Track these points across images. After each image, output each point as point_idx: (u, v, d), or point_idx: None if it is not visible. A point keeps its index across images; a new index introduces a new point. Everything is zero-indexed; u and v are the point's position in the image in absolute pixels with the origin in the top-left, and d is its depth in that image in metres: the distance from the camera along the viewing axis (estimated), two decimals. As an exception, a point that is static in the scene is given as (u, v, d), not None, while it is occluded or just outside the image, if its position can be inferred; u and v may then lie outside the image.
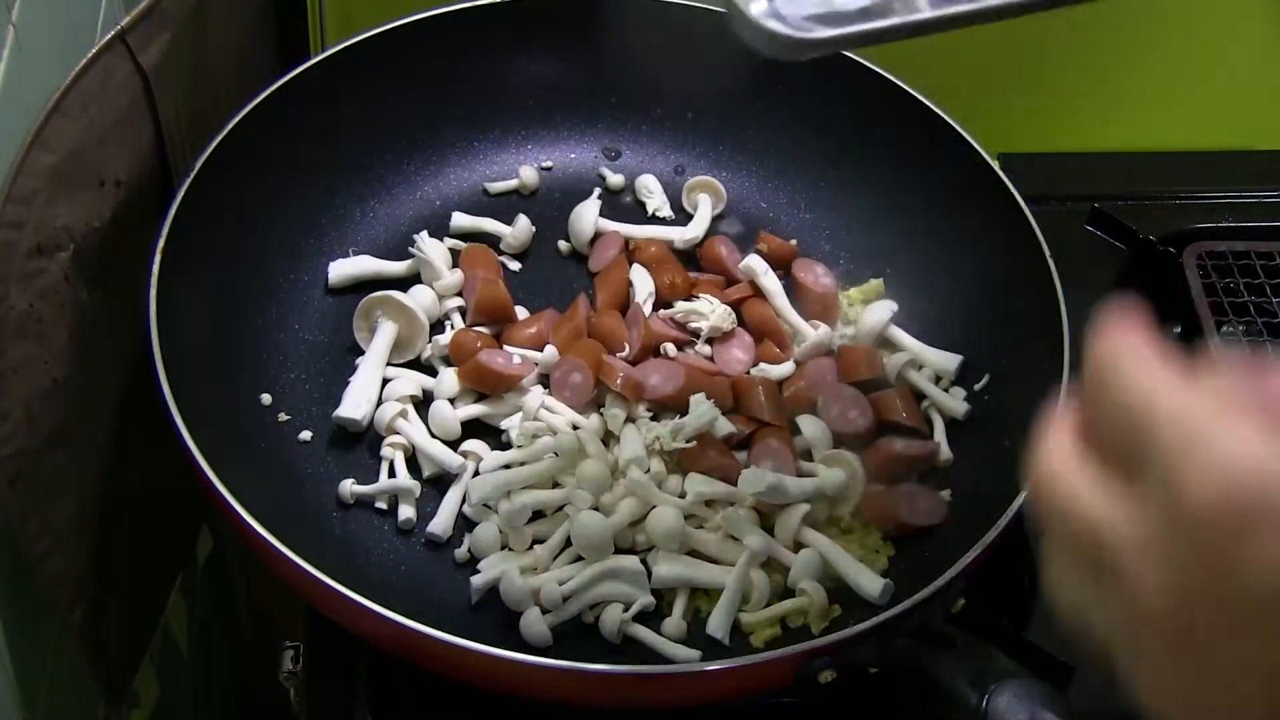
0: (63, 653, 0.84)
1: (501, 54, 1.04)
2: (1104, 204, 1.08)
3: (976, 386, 0.93)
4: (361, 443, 0.90)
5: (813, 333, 0.95)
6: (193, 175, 0.87)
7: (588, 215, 1.01)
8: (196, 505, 1.02)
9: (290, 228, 0.97)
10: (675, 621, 0.81)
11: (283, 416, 0.90)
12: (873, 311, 0.96)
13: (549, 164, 1.06)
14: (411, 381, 0.91)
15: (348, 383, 0.90)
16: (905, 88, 0.99)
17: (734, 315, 0.95)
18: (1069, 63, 1.21)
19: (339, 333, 0.94)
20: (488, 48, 1.03)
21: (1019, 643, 0.80)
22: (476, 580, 0.81)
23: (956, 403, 0.92)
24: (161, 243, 0.83)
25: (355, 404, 0.89)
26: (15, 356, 0.73)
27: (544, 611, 0.79)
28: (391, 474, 0.87)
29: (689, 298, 0.96)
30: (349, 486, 0.86)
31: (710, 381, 0.91)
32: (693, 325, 0.94)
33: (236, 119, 0.91)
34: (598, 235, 1.01)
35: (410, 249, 0.97)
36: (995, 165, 0.95)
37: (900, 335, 0.95)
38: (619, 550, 0.83)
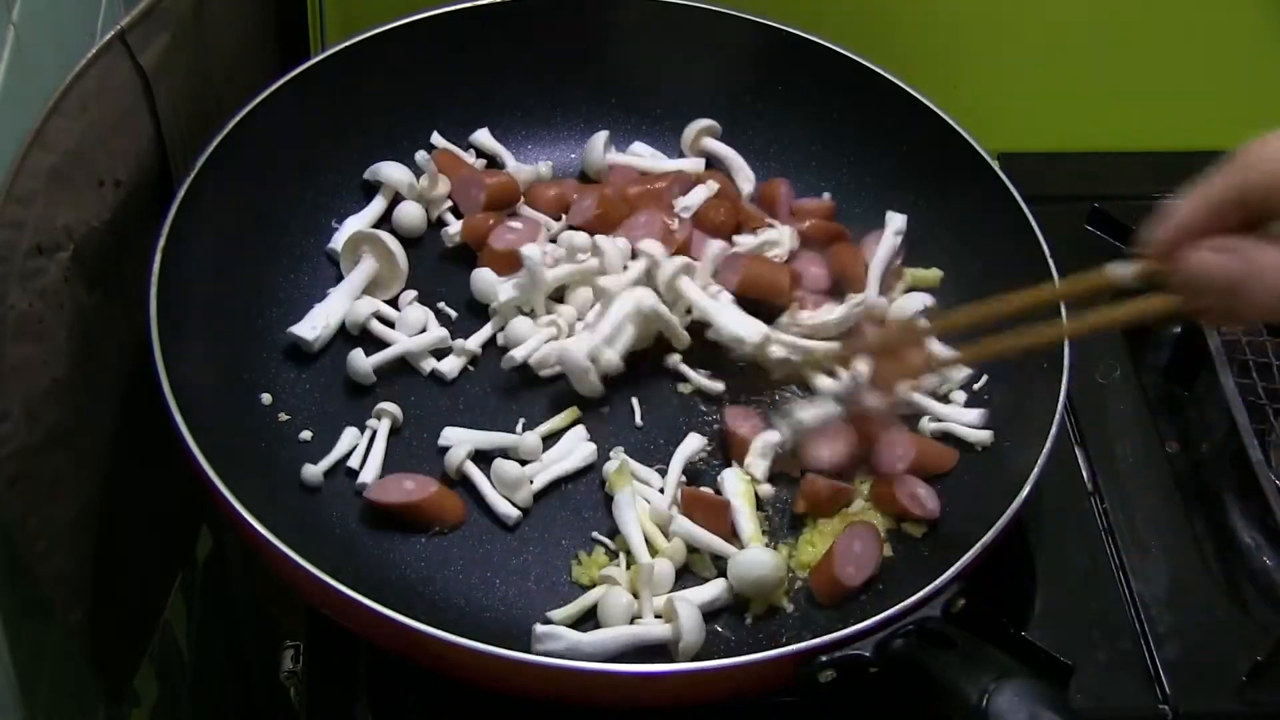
0: (63, 653, 0.84)
1: (501, 54, 1.04)
2: (1104, 204, 1.08)
3: (976, 386, 0.93)
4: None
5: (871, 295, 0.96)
6: (193, 175, 0.87)
7: (598, 144, 1.03)
8: (196, 505, 1.02)
9: (290, 227, 0.97)
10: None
11: (283, 416, 0.90)
12: (907, 301, 0.96)
13: (549, 164, 1.06)
14: (373, 303, 0.94)
15: (347, 382, 0.90)
16: (905, 87, 0.99)
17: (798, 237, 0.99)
18: (1069, 63, 1.21)
19: (339, 332, 0.94)
20: (488, 48, 1.03)
21: (1019, 642, 0.80)
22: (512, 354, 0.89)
23: (973, 421, 0.91)
24: (161, 243, 0.83)
25: (311, 326, 0.91)
26: (15, 356, 0.73)
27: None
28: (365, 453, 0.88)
29: (752, 231, 0.99)
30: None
31: (770, 271, 0.95)
32: (773, 255, 0.97)
33: (236, 119, 0.91)
34: (611, 169, 1.03)
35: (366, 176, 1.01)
36: (995, 165, 0.95)
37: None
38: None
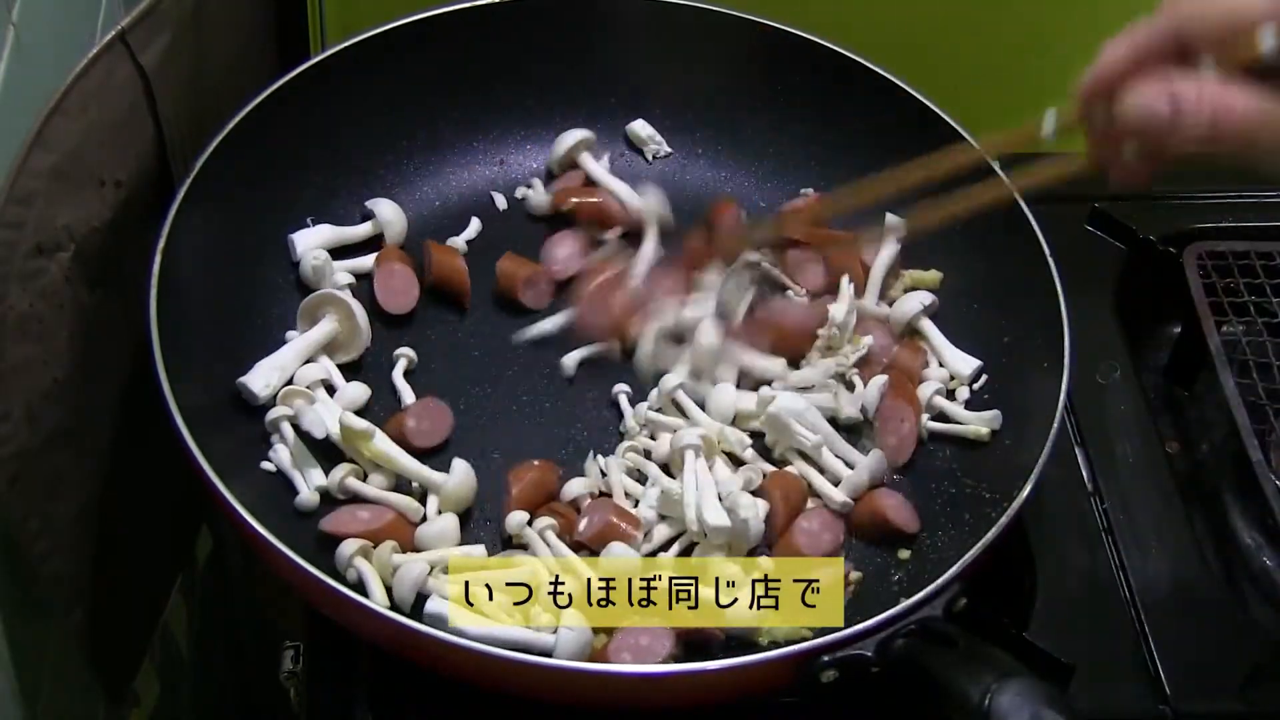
0: (63, 653, 0.84)
1: (501, 54, 1.04)
2: (1104, 204, 1.08)
3: (976, 386, 0.93)
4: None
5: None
6: (193, 175, 0.87)
7: (565, 142, 1.03)
8: (196, 505, 1.02)
9: (290, 228, 0.97)
10: None
11: (283, 417, 0.89)
12: (909, 299, 0.96)
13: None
14: (322, 368, 0.89)
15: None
16: (906, 88, 0.99)
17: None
18: (1070, 63, 1.21)
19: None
20: (488, 48, 1.03)
21: (1020, 642, 0.80)
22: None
23: (979, 420, 0.91)
24: (161, 243, 0.83)
25: (261, 377, 0.86)
26: (15, 356, 0.73)
27: None
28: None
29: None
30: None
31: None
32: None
33: (236, 119, 0.91)
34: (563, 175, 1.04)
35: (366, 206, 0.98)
36: (995, 165, 0.95)
37: (930, 329, 0.96)
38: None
